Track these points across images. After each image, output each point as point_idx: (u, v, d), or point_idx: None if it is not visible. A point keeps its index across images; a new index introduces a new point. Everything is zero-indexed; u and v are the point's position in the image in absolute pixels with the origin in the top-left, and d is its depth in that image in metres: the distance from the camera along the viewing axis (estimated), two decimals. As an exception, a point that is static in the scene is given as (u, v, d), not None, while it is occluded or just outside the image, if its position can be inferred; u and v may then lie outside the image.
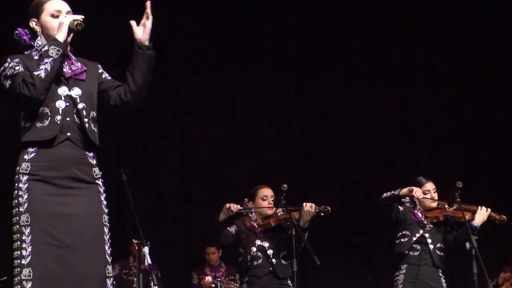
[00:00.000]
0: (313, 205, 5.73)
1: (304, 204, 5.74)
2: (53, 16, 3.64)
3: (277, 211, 5.84)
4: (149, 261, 5.03)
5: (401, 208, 6.08)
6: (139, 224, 5.35)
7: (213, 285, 8.19)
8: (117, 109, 3.74)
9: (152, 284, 5.41)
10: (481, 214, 5.92)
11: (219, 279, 8.32)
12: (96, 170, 3.65)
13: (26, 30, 3.69)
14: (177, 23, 9.31)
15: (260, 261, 5.71)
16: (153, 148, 9.29)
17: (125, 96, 3.68)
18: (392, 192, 6.00)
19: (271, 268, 5.70)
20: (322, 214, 5.79)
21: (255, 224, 5.81)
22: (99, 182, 3.65)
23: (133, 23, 3.66)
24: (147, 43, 3.66)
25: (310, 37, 9.83)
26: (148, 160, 9.22)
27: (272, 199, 5.89)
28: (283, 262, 5.76)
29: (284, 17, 9.74)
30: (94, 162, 3.65)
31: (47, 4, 3.66)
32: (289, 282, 5.74)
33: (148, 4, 3.62)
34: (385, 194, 6.02)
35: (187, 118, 9.45)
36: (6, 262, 7.57)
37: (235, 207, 5.68)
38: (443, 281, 5.98)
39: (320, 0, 9.71)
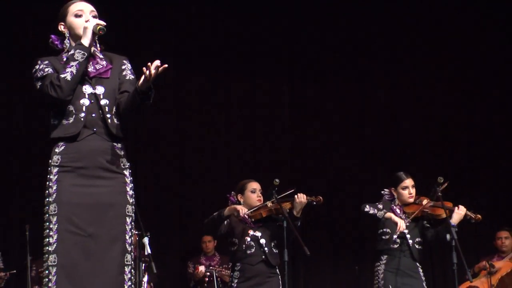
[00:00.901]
0: (305, 195, 5.84)
1: (296, 195, 5.85)
2: (76, 16, 3.86)
3: (267, 203, 5.90)
4: (149, 251, 5.23)
5: (380, 206, 6.14)
6: (139, 215, 5.46)
7: (208, 273, 8.47)
8: None
9: (150, 271, 5.61)
10: (458, 214, 5.99)
11: (212, 268, 8.61)
12: (124, 161, 3.81)
13: (57, 36, 3.94)
14: (174, 23, 9.44)
15: (253, 250, 5.83)
16: (152, 146, 9.43)
17: (119, 108, 3.84)
18: (375, 212, 6.05)
19: (263, 257, 5.82)
20: (314, 203, 5.89)
21: (246, 216, 5.88)
22: (127, 172, 3.81)
23: (145, 72, 3.65)
24: (141, 93, 3.68)
25: (304, 38, 9.87)
26: (148, 157, 9.34)
27: (260, 192, 5.99)
28: (274, 250, 5.88)
29: (280, 18, 9.79)
30: (122, 153, 3.81)
31: (71, 7, 3.90)
32: (277, 270, 5.88)
33: (151, 64, 3.62)
34: (367, 208, 6.07)
35: (184, 117, 9.59)
36: (14, 257, 7.86)
37: (242, 212, 5.79)
38: (421, 270, 6.11)
39: (317, 0, 9.78)
